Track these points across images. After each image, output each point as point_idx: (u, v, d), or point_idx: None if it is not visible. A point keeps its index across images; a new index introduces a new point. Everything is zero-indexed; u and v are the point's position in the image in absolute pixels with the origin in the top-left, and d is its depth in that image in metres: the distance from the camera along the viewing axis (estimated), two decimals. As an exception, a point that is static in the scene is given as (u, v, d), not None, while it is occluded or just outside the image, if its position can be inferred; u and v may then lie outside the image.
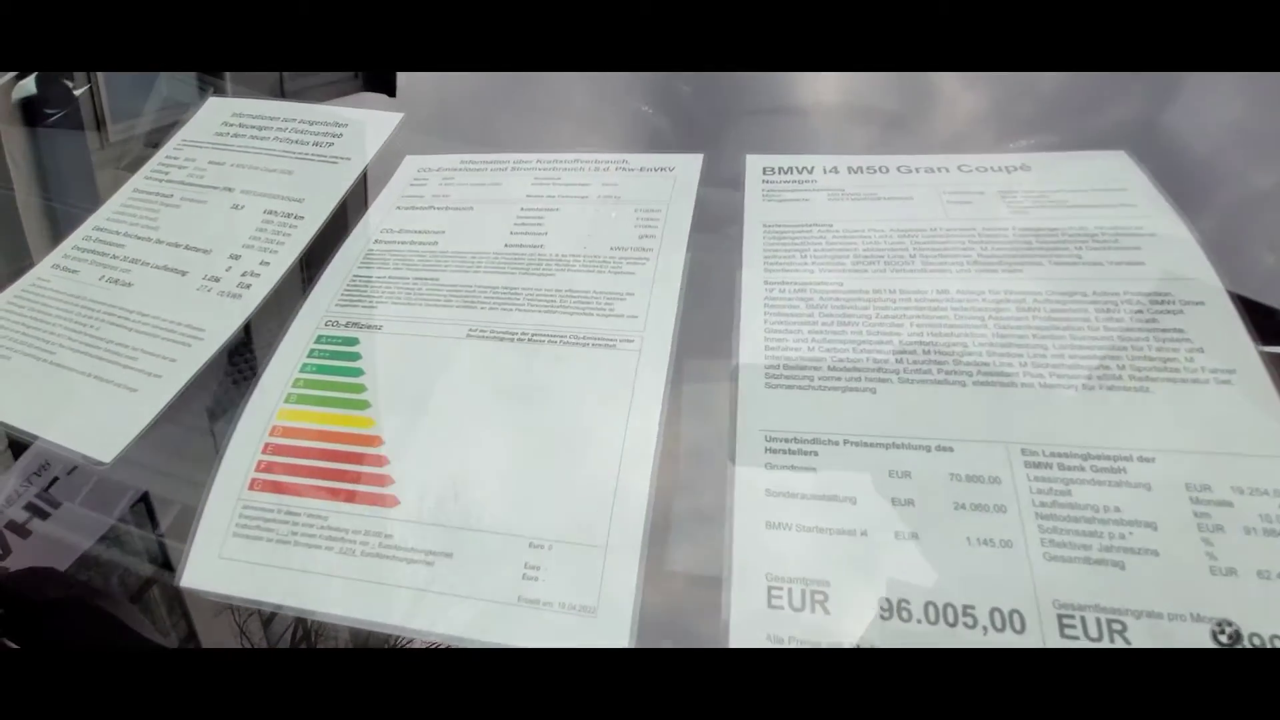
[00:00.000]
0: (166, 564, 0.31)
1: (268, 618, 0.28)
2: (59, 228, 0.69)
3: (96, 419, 0.33)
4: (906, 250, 0.31)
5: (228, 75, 0.94)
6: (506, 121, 0.53)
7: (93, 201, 0.76)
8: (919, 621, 0.22)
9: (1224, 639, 0.21)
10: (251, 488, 0.29)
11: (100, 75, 0.89)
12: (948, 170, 0.35)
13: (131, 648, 0.29)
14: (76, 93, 0.88)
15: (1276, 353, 0.26)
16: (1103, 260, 0.29)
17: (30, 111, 0.85)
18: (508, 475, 0.27)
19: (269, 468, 0.29)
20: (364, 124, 0.46)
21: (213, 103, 0.52)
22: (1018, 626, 0.22)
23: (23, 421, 0.34)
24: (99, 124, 0.88)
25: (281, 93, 0.77)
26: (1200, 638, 0.21)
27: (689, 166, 0.38)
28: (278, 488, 0.29)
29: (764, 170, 0.37)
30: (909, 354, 0.28)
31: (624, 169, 0.39)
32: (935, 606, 0.22)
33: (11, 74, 0.82)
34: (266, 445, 0.30)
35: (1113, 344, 0.27)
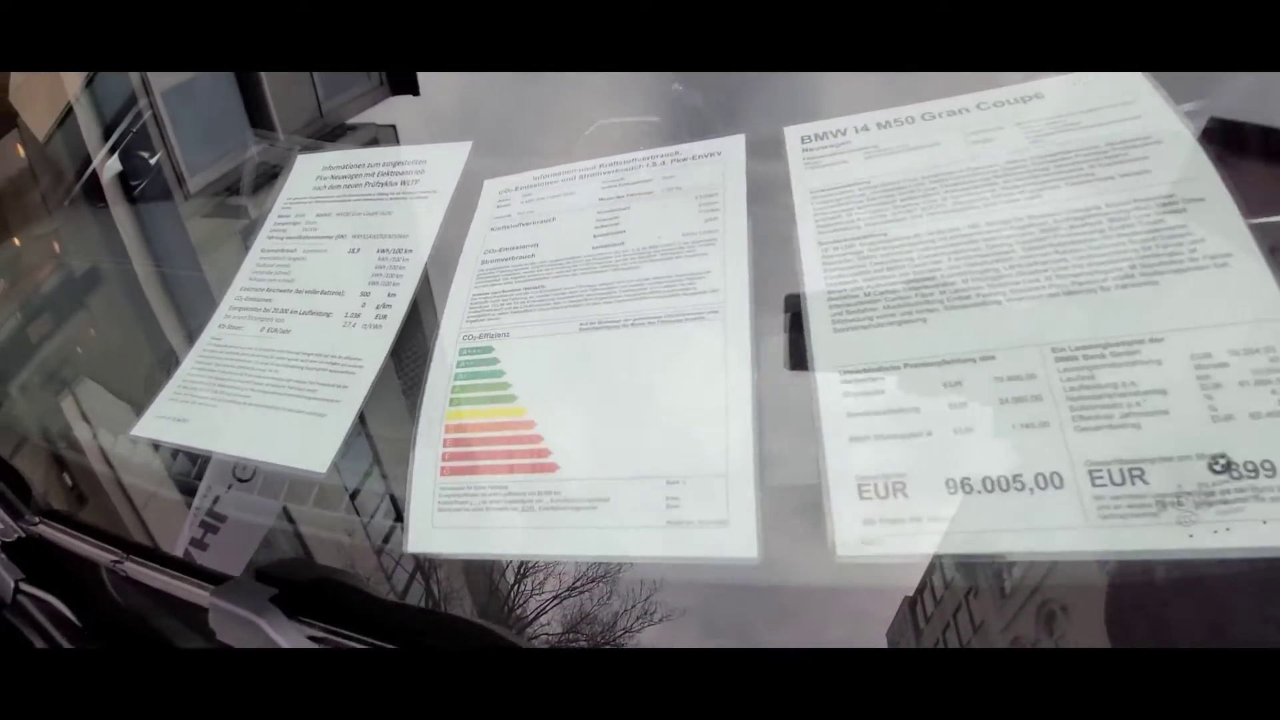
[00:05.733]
0: (386, 539, 0.43)
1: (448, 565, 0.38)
2: (176, 289, 0.82)
3: (302, 442, 0.44)
4: (938, 194, 0.38)
5: (275, 118, 1.06)
6: (555, 128, 0.61)
7: (189, 255, 0.89)
8: (978, 492, 0.31)
9: (1218, 469, 0.28)
10: (443, 474, 0.39)
11: (173, 140, 1.01)
12: (969, 110, 0.41)
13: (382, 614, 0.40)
14: (152, 161, 1.01)
15: (1267, 223, 0.32)
16: (1113, 174, 0.36)
17: (123, 186, 0.99)
18: (639, 434, 0.37)
19: (452, 457, 0.39)
20: (441, 157, 0.55)
21: (302, 160, 0.62)
22: (1057, 484, 0.30)
23: (247, 451, 0.45)
24: (180, 182, 1.02)
25: (320, 113, 0.86)
26: (1201, 473, 0.28)
27: (735, 147, 0.46)
28: (463, 471, 0.39)
29: (802, 139, 0.44)
30: (950, 285, 0.35)
31: (677, 160, 0.47)
32: (990, 479, 0.31)
33: (103, 153, 0.95)
34: (445, 440, 0.40)
35: (1124, 248, 0.33)
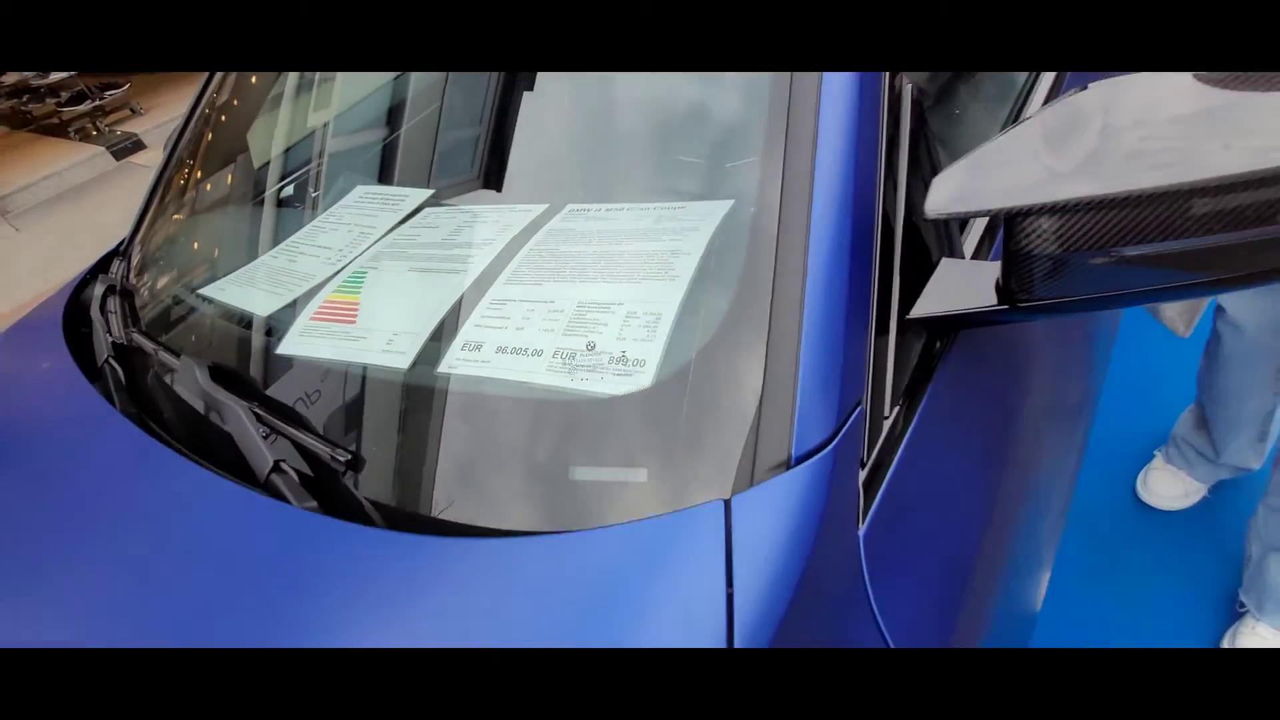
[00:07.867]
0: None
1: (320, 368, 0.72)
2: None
3: (265, 302, 0.82)
4: (596, 239, 0.70)
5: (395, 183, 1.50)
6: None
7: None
8: (509, 354, 0.60)
9: (589, 350, 0.56)
10: (310, 320, 0.74)
11: (324, 185, 1.52)
12: (648, 210, 0.74)
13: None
14: (314, 195, 1.52)
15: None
16: (665, 240, 0.66)
17: (281, 203, 1.49)
18: (389, 314, 0.70)
19: (320, 313, 0.75)
20: (411, 195, 0.95)
21: (359, 189, 1.06)
22: (539, 355, 0.59)
23: (232, 300, 0.84)
24: (314, 208, 1.51)
25: (428, 186, 1.31)
26: (584, 352, 0.56)
27: (539, 208, 0.81)
28: (320, 319, 0.74)
29: (570, 209, 0.79)
30: (567, 270, 0.67)
31: (513, 211, 0.83)
32: (515, 348, 0.60)
33: (282, 181, 1.48)
34: (321, 306, 0.76)
35: (644, 267, 0.64)
